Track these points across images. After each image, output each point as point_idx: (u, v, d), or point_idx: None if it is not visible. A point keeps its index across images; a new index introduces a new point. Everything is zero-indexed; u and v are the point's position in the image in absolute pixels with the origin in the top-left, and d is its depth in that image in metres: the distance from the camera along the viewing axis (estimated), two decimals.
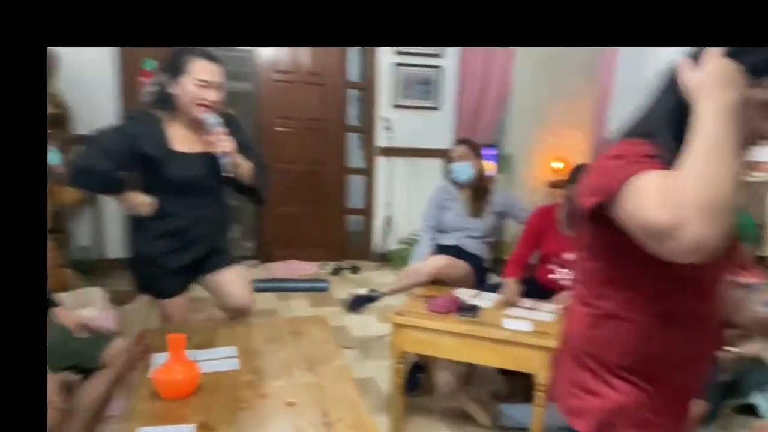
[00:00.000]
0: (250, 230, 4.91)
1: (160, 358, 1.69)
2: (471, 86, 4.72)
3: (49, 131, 2.65)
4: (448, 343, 2.19)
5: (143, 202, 2.01)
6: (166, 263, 2.09)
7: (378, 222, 4.86)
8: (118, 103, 3.99)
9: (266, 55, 4.39)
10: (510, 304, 2.37)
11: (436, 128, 4.81)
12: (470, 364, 2.75)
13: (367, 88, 4.71)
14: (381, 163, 4.78)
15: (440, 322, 2.19)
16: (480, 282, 2.84)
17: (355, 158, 5.03)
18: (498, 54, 4.66)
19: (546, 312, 2.29)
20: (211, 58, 1.98)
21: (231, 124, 2.08)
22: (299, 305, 3.81)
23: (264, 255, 4.65)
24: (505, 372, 2.71)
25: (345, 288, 4.20)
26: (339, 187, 4.84)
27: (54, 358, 1.66)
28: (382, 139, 4.71)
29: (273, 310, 3.66)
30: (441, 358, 2.52)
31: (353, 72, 4.84)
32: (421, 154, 4.82)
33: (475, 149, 2.95)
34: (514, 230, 3.19)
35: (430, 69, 4.70)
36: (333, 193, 4.82)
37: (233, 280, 2.27)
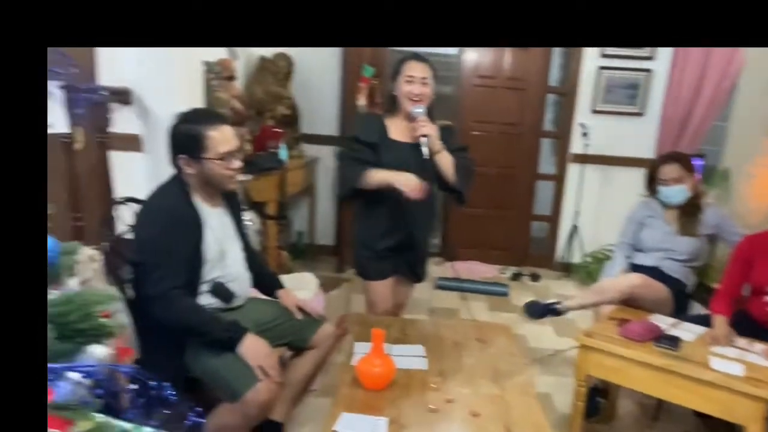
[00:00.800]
0: (437, 228, 5.01)
1: (361, 347, 1.82)
2: (682, 91, 4.21)
3: (281, 130, 3.00)
4: (642, 375, 2.00)
5: (398, 177, 2.06)
6: (373, 245, 2.27)
7: (563, 231, 4.61)
8: (339, 105, 4.33)
9: (470, 59, 4.43)
10: (719, 344, 2.06)
11: (636, 135, 4.39)
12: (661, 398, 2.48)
13: (567, 92, 4.47)
14: (573, 170, 4.52)
15: (634, 351, 2.00)
16: (679, 310, 2.54)
17: (546, 164, 4.83)
18: (718, 54, 4.07)
19: (762, 355, 1.95)
20: (419, 59, 2.19)
21: (446, 131, 2.27)
22: (478, 307, 3.79)
23: (448, 253, 4.71)
24: (700, 413, 2.39)
25: (523, 294, 4.07)
26: (527, 193, 4.69)
27: (274, 334, 1.87)
28: (576, 146, 4.44)
29: (455, 310, 3.70)
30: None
31: (553, 77, 4.65)
32: (617, 162, 4.45)
33: (687, 166, 2.61)
34: (724, 255, 2.78)
35: (638, 72, 4.30)
36: (521, 197, 4.68)
37: (404, 294, 2.48)
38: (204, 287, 1.77)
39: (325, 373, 2.20)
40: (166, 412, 0.85)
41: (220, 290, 1.78)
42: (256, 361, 1.62)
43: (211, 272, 1.77)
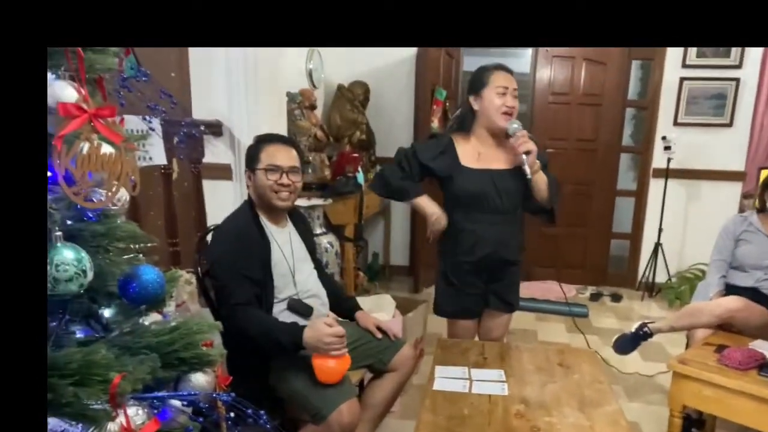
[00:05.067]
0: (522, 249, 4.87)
1: (442, 371, 1.78)
2: None
3: (358, 155, 3.05)
4: (744, 406, 1.81)
5: (433, 211, 2.05)
6: (455, 274, 2.10)
7: (646, 249, 4.33)
8: (413, 128, 4.31)
9: (543, 76, 4.34)
10: None
11: (725, 147, 4.10)
12: None
13: (649, 106, 4.25)
14: (655, 185, 4.25)
15: (735, 380, 1.82)
16: None
17: (625, 180, 4.59)
18: None
19: None
20: (507, 69, 2.03)
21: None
22: (556, 329, 3.63)
23: (523, 273, 4.56)
24: None
25: (604, 315, 3.87)
26: (606, 210, 4.47)
27: (354, 356, 1.84)
28: (658, 160, 4.19)
29: (532, 332, 3.56)
30: None
31: (631, 90, 4.45)
32: (703, 176, 4.16)
33: None
34: None
35: (724, 82, 4.02)
36: (599, 215, 4.47)
37: (496, 327, 2.24)
38: (281, 306, 1.80)
39: (403, 394, 2.17)
40: None
41: (296, 305, 1.80)
42: (319, 345, 1.60)
43: (284, 290, 1.80)
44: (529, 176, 1.94)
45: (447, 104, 3.96)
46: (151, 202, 2.18)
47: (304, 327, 1.67)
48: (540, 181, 2.01)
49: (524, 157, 1.93)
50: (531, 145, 1.93)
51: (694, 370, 1.91)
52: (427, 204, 2.08)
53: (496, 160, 2.03)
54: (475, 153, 2.04)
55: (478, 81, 2.01)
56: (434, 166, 2.05)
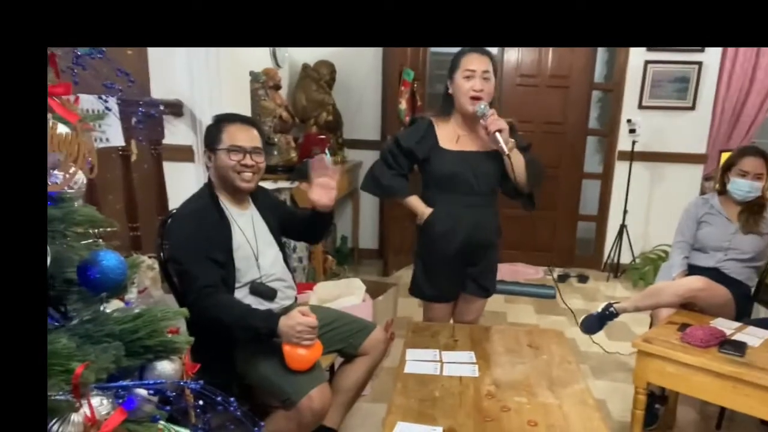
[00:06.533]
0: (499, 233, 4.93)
1: (413, 354, 1.80)
2: (734, 81, 4.05)
3: (325, 136, 3.02)
4: (706, 382, 1.89)
5: (422, 211, 2.10)
6: (432, 256, 2.13)
7: (611, 231, 4.46)
8: (381, 110, 4.29)
9: (511, 58, 4.36)
10: None
11: (687, 130, 4.23)
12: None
13: (614, 89, 4.34)
14: (620, 168, 4.37)
15: (697, 358, 1.90)
16: (741, 313, 2.41)
17: (591, 162, 4.70)
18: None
19: None
20: (479, 51, 2.00)
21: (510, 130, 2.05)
22: (525, 310, 3.71)
23: None
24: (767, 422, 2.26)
25: (571, 296, 3.97)
26: (573, 192, 4.58)
27: (325, 341, 1.85)
28: (623, 143, 4.30)
29: (502, 313, 3.63)
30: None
31: (597, 73, 4.53)
32: (667, 158, 4.29)
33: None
34: None
35: (687, 65, 4.13)
36: (566, 197, 4.57)
37: (471, 311, 2.30)
38: (244, 290, 1.78)
39: (374, 377, 2.19)
40: (232, 427, 0.86)
41: (259, 288, 1.79)
42: (291, 333, 1.61)
43: (247, 274, 1.79)
44: (506, 152, 1.95)
45: (415, 85, 3.95)
46: (110, 185, 2.12)
47: (279, 314, 1.66)
48: (518, 161, 2.03)
49: (497, 135, 1.93)
50: (502, 123, 1.94)
51: (657, 348, 1.98)
52: (415, 204, 2.13)
53: (474, 143, 2.07)
54: (454, 135, 2.07)
55: (452, 65, 2.04)
56: (417, 150, 2.07)
